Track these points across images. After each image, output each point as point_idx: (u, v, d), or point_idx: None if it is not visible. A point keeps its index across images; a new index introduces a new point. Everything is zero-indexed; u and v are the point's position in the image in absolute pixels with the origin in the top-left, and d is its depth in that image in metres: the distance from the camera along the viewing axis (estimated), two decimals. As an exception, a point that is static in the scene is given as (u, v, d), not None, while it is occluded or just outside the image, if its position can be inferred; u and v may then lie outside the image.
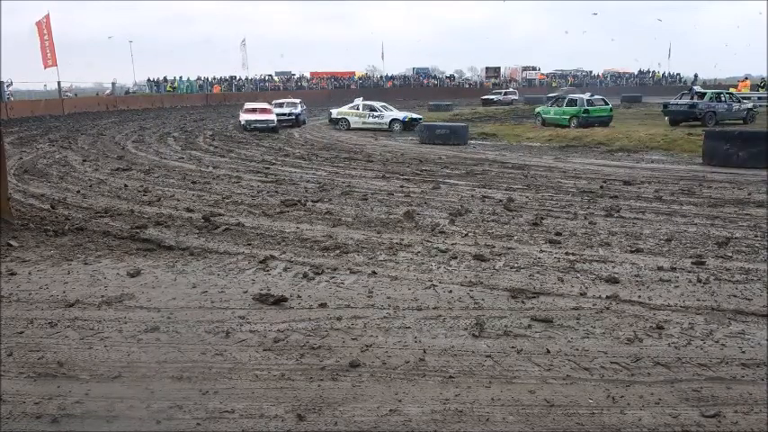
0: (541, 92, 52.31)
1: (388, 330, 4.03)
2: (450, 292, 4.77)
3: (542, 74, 68.07)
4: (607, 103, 22.37)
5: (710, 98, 21.24)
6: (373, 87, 55.20)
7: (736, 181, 10.21)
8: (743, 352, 3.69)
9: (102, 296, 4.70)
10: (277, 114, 22.59)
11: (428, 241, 6.33)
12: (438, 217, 7.56)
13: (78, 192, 9.43)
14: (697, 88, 26.33)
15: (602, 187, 9.75)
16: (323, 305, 4.48)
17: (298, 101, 26.30)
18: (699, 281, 4.99)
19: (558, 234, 6.58)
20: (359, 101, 24.41)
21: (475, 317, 4.23)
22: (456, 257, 5.73)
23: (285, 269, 5.40)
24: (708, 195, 9.00)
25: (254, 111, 22.63)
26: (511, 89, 52.17)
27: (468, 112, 32.21)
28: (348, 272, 5.30)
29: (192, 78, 49.58)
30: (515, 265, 5.46)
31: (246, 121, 21.62)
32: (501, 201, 8.64)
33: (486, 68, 68.80)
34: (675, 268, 5.32)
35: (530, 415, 3.00)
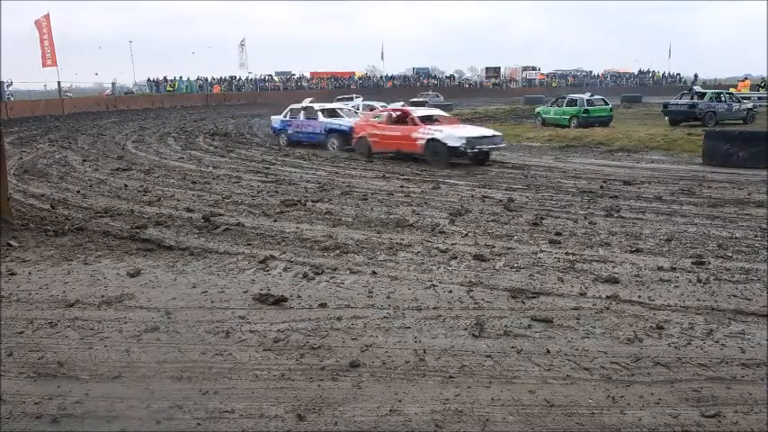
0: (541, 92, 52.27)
1: (388, 330, 4.03)
2: (450, 292, 4.77)
3: (542, 74, 68.07)
4: (607, 103, 22.38)
5: (710, 98, 21.25)
6: (373, 87, 55.20)
7: (736, 181, 10.20)
8: (743, 352, 3.69)
9: (102, 296, 4.70)
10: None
11: (428, 241, 6.33)
12: (438, 217, 7.56)
13: (78, 192, 9.43)
14: (697, 88, 26.35)
15: (602, 187, 9.75)
16: (323, 305, 4.48)
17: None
18: (699, 281, 4.99)
19: (558, 234, 6.57)
20: (359, 101, 24.41)
21: (475, 317, 4.23)
22: (456, 257, 5.73)
23: (285, 269, 5.39)
24: (708, 195, 9.00)
25: (432, 120, 13.46)
26: (356, 95, 37.67)
27: (468, 112, 32.19)
28: (348, 272, 5.30)
29: (192, 78, 49.62)
30: (515, 265, 5.46)
31: (468, 140, 11.95)
32: (501, 201, 8.64)
33: (486, 68, 68.83)
34: (675, 268, 5.32)
35: (530, 415, 3.00)
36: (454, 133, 12.32)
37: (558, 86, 60.52)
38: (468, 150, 11.99)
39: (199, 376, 3.41)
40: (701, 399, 3.15)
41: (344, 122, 15.51)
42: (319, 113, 16.18)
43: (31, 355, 3.68)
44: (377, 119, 14.54)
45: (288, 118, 16.97)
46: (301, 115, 16.57)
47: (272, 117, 18.23)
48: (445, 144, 12.08)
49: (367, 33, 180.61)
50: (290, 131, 16.76)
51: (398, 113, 14.17)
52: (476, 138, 12.20)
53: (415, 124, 12.98)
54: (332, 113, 16.58)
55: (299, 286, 4.92)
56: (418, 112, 14.17)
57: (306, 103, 18.29)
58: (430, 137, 12.40)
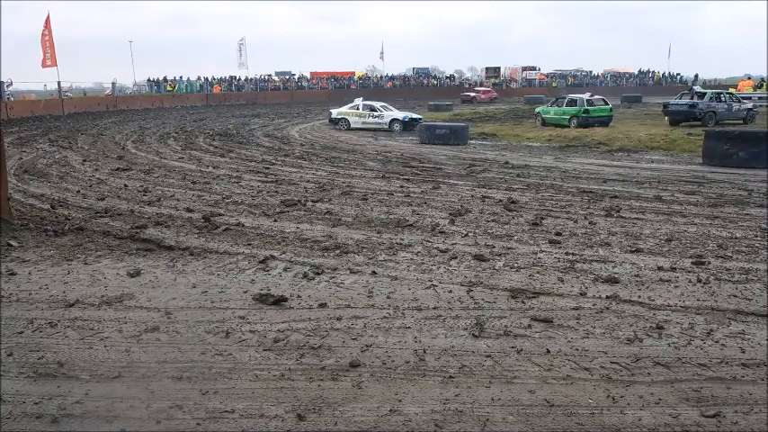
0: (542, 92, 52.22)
1: (388, 330, 4.03)
2: (450, 292, 4.77)
3: (542, 74, 68.01)
4: (607, 103, 22.36)
5: (710, 98, 21.22)
6: (373, 87, 55.16)
7: (736, 181, 10.21)
8: (743, 352, 3.69)
9: (102, 296, 4.70)
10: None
11: (428, 241, 6.33)
12: (438, 217, 7.56)
13: (78, 192, 9.43)
14: (697, 88, 26.32)
15: (601, 187, 9.74)
16: (323, 305, 4.49)
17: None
18: (699, 281, 4.99)
19: (558, 234, 6.57)
20: (359, 101, 24.38)
21: (475, 317, 4.23)
22: (456, 257, 5.73)
23: (285, 269, 5.40)
24: (708, 195, 9.00)
25: None
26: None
27: (468, 112, 32.19)
28: (348, 272, 5.30)
29: (192, 78, 49.58)
30: (515, 265, 5.46)
31: None
32: (501, 201, 8.63)
33: (486, 68, 68.70)
34: (675, 268, 5.32)
35: (530, 415, 3.00)
36: None
37: (558, 86, 60.45)
38: None
39: (199, 376, 3.41)
40: (701, 399, 3.15)
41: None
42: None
43: (31, 355, 3.68)
44: None
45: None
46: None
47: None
48: None
49: (367, 33, 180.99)
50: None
51: None
52: None
53: None
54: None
55: (299, 286, 4.93)
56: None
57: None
58: None
